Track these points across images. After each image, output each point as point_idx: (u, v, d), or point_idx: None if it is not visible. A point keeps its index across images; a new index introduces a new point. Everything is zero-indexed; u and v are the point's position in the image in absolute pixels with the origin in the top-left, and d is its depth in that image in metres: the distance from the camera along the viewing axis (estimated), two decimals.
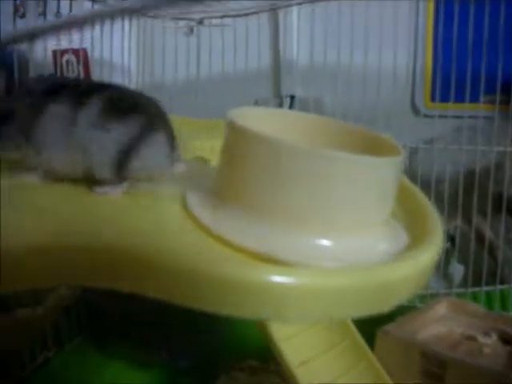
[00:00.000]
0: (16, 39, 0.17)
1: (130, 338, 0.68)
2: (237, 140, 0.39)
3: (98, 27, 0.76)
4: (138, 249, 0.30)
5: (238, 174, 0.39)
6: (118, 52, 0.87)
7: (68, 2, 0.72)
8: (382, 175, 0.38)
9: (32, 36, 0.18)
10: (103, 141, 0.43)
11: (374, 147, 0.42)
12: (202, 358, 0.68)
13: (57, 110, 0.43)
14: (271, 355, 0.66)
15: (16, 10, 0.73)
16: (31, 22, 0.72)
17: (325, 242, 0.37)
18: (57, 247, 0.31)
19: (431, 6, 0.98)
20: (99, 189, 0.44)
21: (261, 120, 0.45)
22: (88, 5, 0.75)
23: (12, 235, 0.31)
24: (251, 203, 0.38)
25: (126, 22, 0.85)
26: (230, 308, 0.30)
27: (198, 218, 0.38)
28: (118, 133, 0.43)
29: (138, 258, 0.30)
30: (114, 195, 0.44)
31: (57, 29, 0.17)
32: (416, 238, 0.40)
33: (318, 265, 0.34)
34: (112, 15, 0.18)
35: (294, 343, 0.57)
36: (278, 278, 0.30)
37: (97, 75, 0.87)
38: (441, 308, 0.73)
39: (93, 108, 0.43)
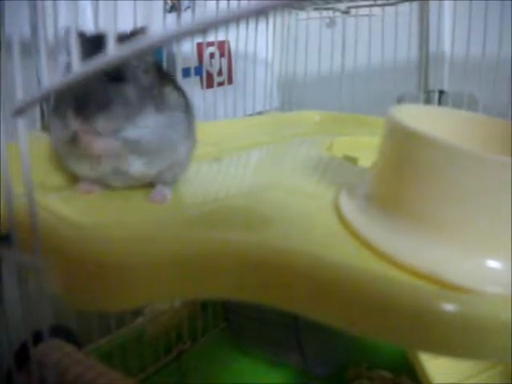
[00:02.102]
0: (169, 40, 0.16)
1: (261, 337, 0.67)
2: (408, 146, 0.35)
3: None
4: (305, 270, 0.28)
5: (405, 182, 0.35)
6: (262, 44, 0.87)
7: None
8: None
9: (183, 35, 0.16)
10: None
11: None
12: (339, 367, 0.66)
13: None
14: (406, 369, 0.63)
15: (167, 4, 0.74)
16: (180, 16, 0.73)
17: (494, 264, 0.32)
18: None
19: None
20: (156, 194, 0.42)
21: (424, 120, 0.41)
22: None
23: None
24: (416, 215, 0.34)
25: (270, 14, 0.83)
26: (401, 337, 0.27)
27: (357, 229, 0.35)
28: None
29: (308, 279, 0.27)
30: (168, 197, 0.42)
31: (206, 27, 0.15)
32: None
33: (485, 290, 0.30)
34: (264, 11, 0.16)
35: (442, 364, 0.53)
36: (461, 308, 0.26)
37: (240, 67, 0.86)
38: None
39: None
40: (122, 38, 0.30)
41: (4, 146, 0.29)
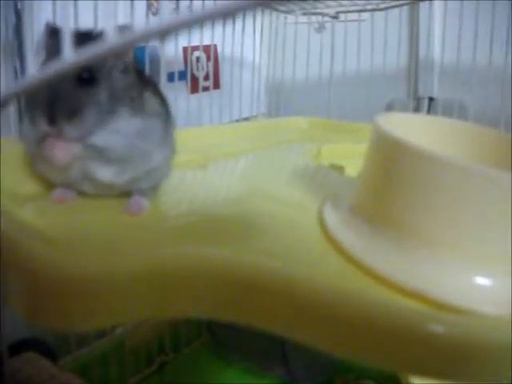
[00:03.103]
0: (149, 37, 0.14)
1: (245, 349, 0.66)
2: (394, 156, 0.33)
3: (229, 23, 0.75)
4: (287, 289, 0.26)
5: (391, 194, 0.34)
6: (249, 48, 0.85)
7: None
8: None
9: (163, 33, 0.14)
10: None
11: None
12: (326, 378, 0.65)
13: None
14: (393, 379, 0.61)
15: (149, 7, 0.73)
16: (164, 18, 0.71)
17: (484, 281, 0.30)
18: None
19: None
20: (132, 204, 0.40)
21: (412, 129, 0.39)
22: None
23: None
24: (403, 228, 0.32)
25: (258, 17, 0.82)
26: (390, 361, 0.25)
27: (341, 242, 0.34)
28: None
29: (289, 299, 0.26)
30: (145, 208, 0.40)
31: (188, 25, 0.14)
32: None
33: (476, 308, 0.28)
34: (244, 9, 0.14)
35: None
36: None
37: (226, 72, 0.85)
38: None
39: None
40: (83, 38, 0.28)
41: None
